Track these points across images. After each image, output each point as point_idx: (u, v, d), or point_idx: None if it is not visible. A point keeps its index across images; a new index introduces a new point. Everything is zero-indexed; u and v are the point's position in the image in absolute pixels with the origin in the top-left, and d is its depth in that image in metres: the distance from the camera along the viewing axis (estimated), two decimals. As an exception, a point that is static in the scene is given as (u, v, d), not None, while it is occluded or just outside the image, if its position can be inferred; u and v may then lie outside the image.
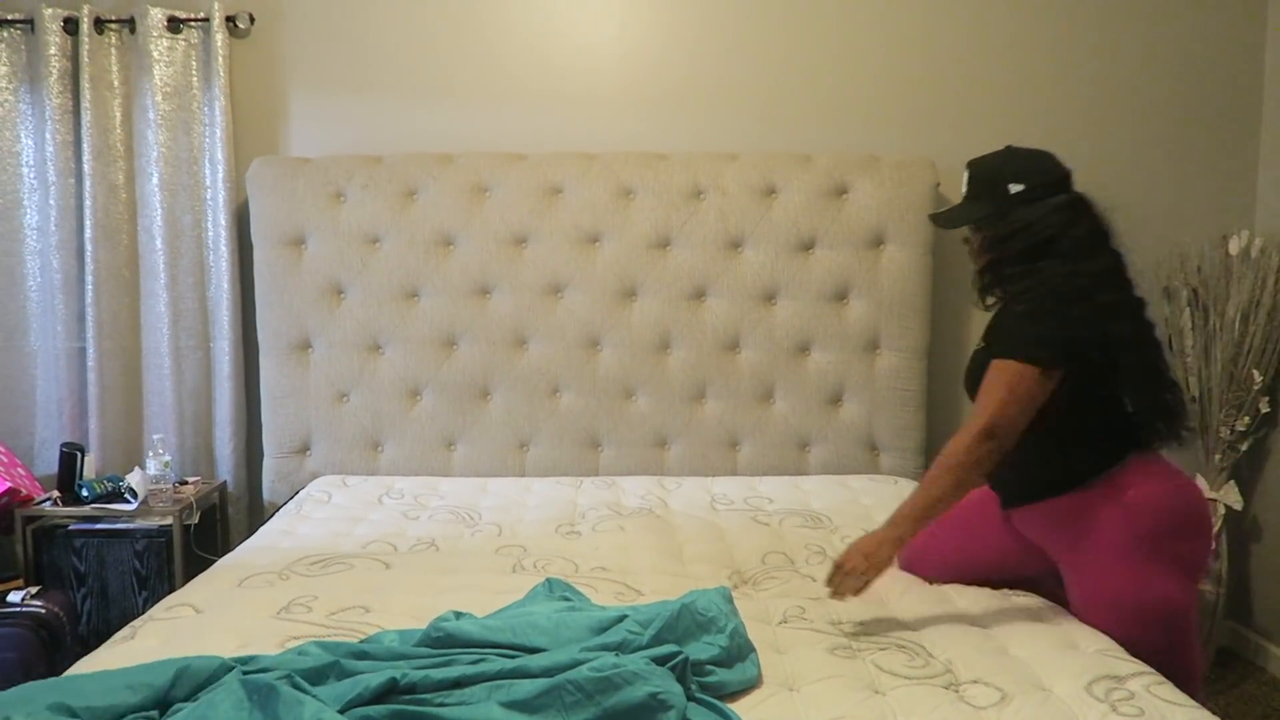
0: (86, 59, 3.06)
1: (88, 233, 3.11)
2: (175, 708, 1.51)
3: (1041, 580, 2.12)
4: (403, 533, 2.60)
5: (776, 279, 3.12)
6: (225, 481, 3.24)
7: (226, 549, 2.81)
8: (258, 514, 3.25)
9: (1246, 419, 3.10)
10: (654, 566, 2.29)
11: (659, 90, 3.26)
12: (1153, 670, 1.69)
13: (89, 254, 3.11)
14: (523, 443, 3.18)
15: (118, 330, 3.19)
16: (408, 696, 1.49)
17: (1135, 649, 1.80)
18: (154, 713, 1.50)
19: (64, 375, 3.18)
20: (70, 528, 2.92)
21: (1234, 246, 3.11)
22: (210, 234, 3.19)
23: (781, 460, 3.16)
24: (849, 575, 1.92)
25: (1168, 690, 1.62)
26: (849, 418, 3.15)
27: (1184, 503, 1.92)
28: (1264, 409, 3.11)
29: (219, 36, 3.10)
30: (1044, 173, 1.99)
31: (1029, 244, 1.94)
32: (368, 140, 3.24)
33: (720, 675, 1.65)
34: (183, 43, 3.15)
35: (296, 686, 1.46)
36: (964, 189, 2.07)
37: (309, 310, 3.13)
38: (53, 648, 2.48)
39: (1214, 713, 1.58)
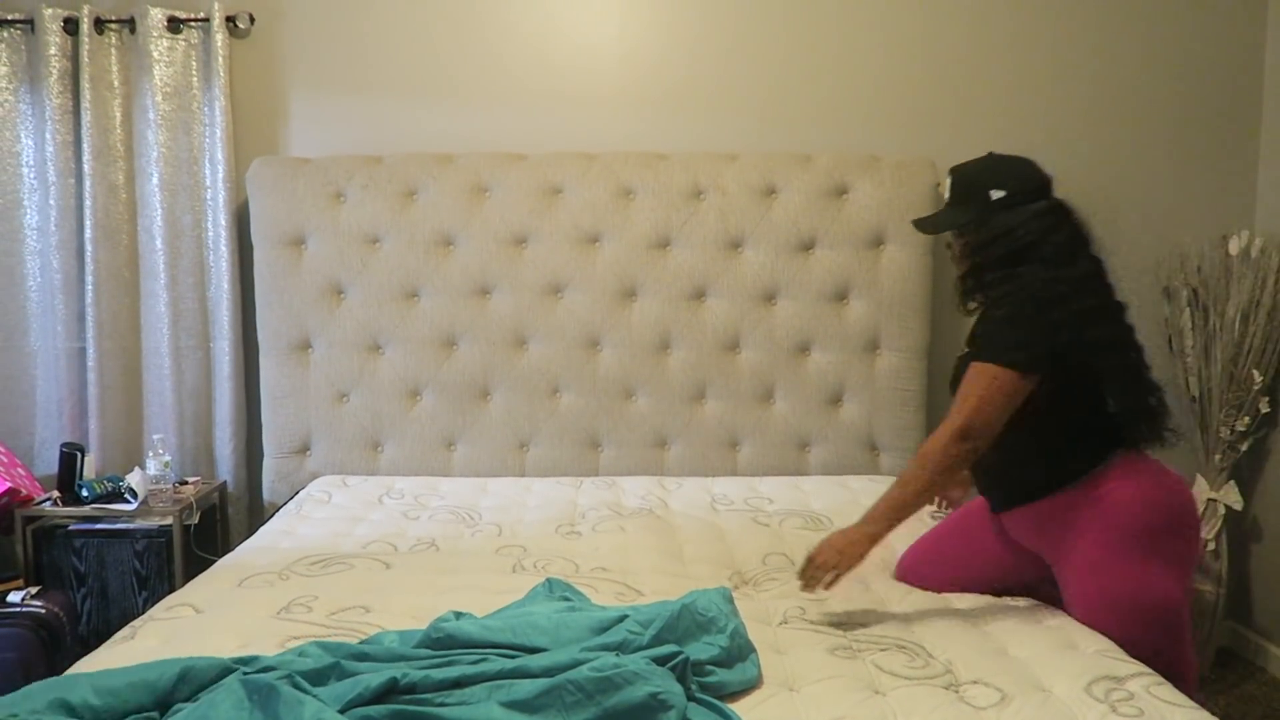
0: (86, 59, 3.06)
1: (88, 233, 3.11)
2: (176, 708, 1.51)
3: (1038, 586, 2.13)
4: (403, 533, 2.60)
5: (776, 279, 3.12)
6: (225, 481, 3.24)
7: (226, 549, 2.82)
8: (258, 514, 3.26)
9: (1246, 419, 3.10)
10: (654, 567, 2.29)
11: (659, 90, 3.26)
12: (1152, 671, 1.69)
13: (89, 254, 3.12)
14: (523, 443, 3.18)
15: (118, 330, 3.19)
16: (408, 696, 1.49)
17: (1130, 647, 1.81)
18: (155, 713, 1.50)
19: (64, 375, 3.18)
20: (70, 528, 2.92)
21: (1234, 246, 3.11)
22: (210, 234, 3.19)
23: (781, 460, 3.16)
24: (820, 569, 1.95)
25: (1167, 691, 1.62)
26: (849, 418, 3.15)
27: (1171, 500, 1.93)
28: (1264, 409, 3.11)
29: (219, 36, 3.10)
30: (1025, 179, 2.02)
31: (1009, 249, 1.97)
32: (368, 140, 3.24)
33: (720, 675, 1.65)
34: (183, 43, 3.15)
35: (297, 686, 1.46)
36: (946, 195, 2.10)
37: (309, 310, 3.13)
38: (53, 648, 2.48)
39: (1213, 713, 1.58)
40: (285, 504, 2.93)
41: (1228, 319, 3.07)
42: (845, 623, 1.95)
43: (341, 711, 1.43)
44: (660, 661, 1.58)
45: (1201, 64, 3.26)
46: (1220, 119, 3.28)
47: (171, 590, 2.68)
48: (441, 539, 2.54)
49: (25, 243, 3.17)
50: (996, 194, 1.99)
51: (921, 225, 2.15)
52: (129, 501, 2.93)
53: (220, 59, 3.10)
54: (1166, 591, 1.90)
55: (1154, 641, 1.86)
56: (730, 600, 1.88)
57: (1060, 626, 1.92)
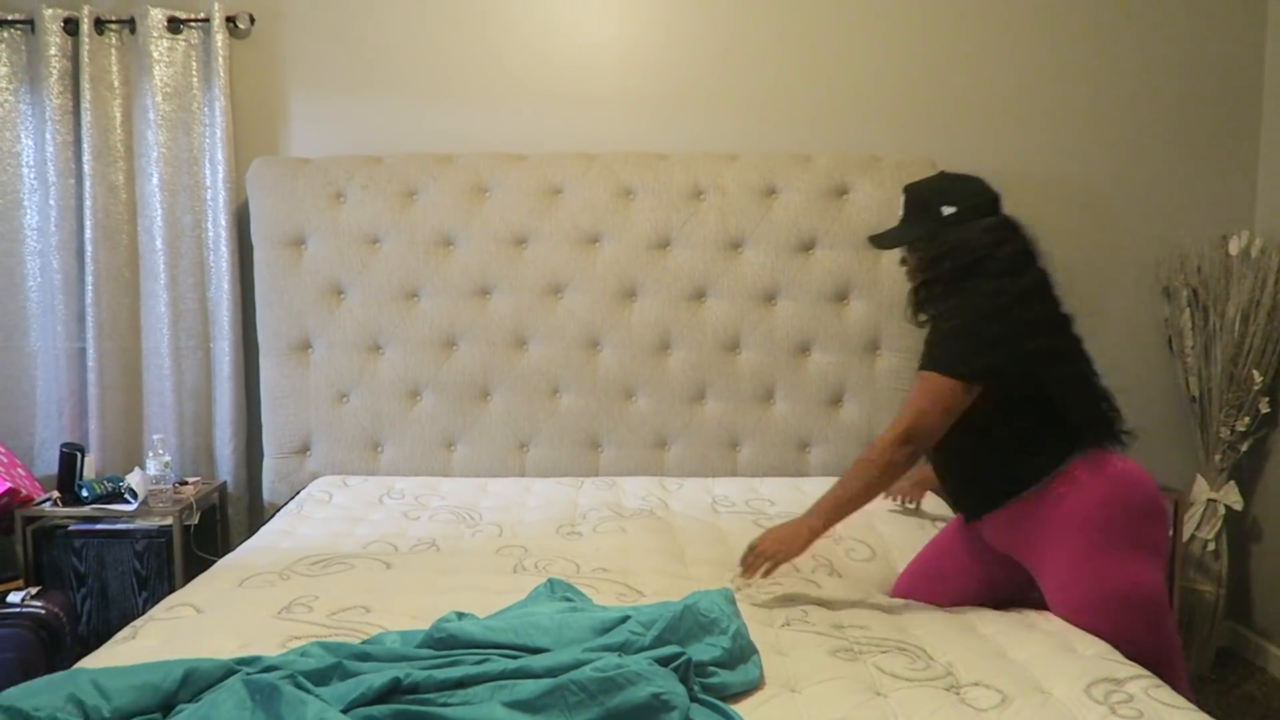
0: (87, 59, 3.06)
1: (88, 233, 3.11)
2: (178, 708, 1.51)
3: (1030, 594, 2.14)
4: (403, 533, 2.60)
5: (777, 279, 3.12)
6: (225, 482, 3.24)
7: (226, 549, 2.82)
8: (258, 514, 3.25)
9: (1246, 419, 3.10)
10: (655, 568, 2.29)
11: (659, 90, 3.26)
12: (1150, 674, 1.70)
13: (89, 254, 3.11)
14: (523, 443, 3.18)
15: (118, 330, 3.18)
16: (410, 696, 1.49)
17: (1114, 638, 1.85)
18: (158, 715, 1.50)
19: (64, 375, 3.18)
20: (70, 528, 2.91)
21: (1234, 246, 3.11)
22: (210, 234, 3.19)
23: (782, 461, 3.16)
24: (760, 557, 2.06)
25: (1165, 693, 1.62)
26: (849, 418, 3.15)
27: (1131, 491, 1.97)
28: (1264, 409, 3.11)
29: (219, 37, 3.10)
30: (974, 195, 2.10)
31: (959, 263, 2.05)
32: (368, 140, 3.24)
33: (722, 676, 1.65)
34: (183, 43, 3.15)
35: (299, 686, 1.46)
36: (900, 212, 2.18)
37: (309, 310, 3.13)
38: (53, 648, 2.48)
39: (1212, 713, 1.59)
40: (285, 504, 2.93)
41: (1228, 319, 3.08)
42: (847, 625, 1.95)
43: (344, 711, 1.43)
44: (663, 662, 1.58)
45: (1201, 64, 3.26)
46: (1220, 119, 3.28)
47: (171, 590, 2.68)
48: (442, 539, 2.54)
49: (25, 243, 3.17)
50: (947, 210, 2.08)
51: (876, 241, 2.22)
52: (129, 502, 2.93)
53: (220, 59, 3.10)
54: (1140, 579, 1.93)
55: (1137, 630, 1.90)
56: (732, 601, 1.88)
57: (1057, 630, 1.93)
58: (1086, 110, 3.27)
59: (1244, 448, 3.15)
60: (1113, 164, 3.29)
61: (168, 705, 1.52)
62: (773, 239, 3.11)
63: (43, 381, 3.20)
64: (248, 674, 1.52)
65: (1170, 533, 2.04)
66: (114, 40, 3.12)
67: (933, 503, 2.75)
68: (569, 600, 1.94)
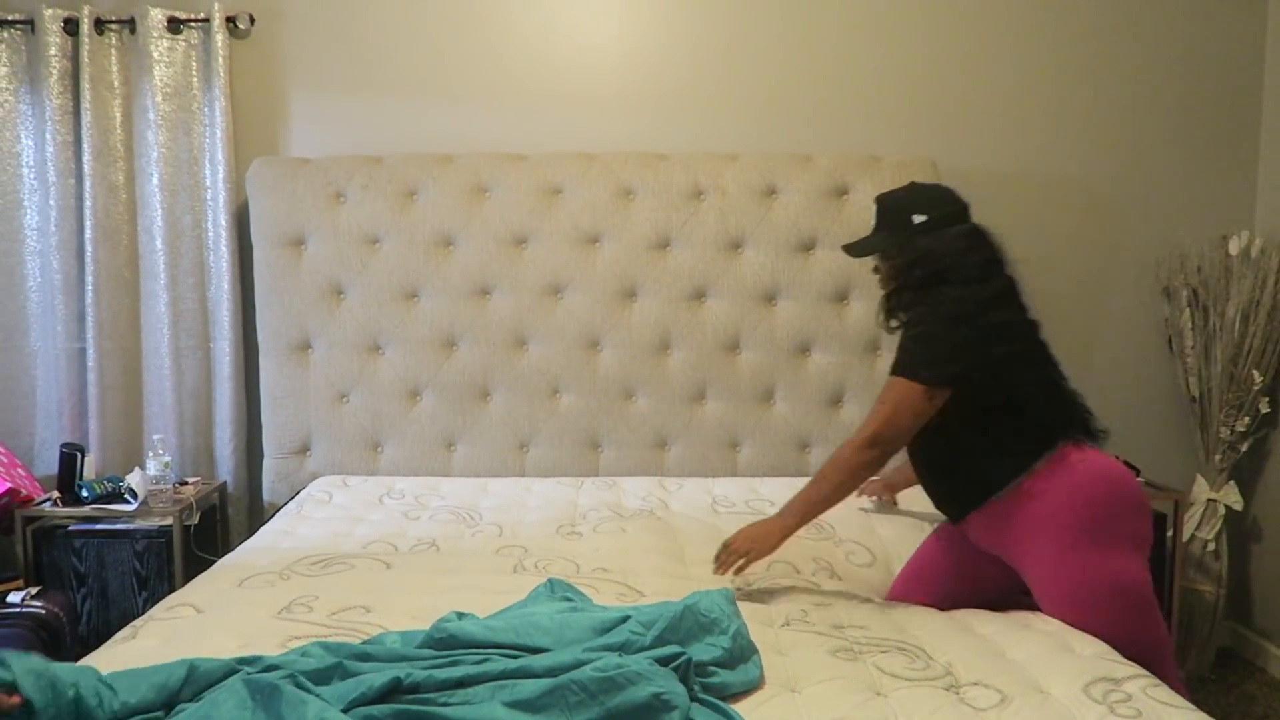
0: (87, 59, 3.06)
1: (88, 233, 3.11)
2: (179, 708, 1.51)
3: (1021, 593, 2.16)
4: (403, 533, 2.60)
5: (777, 279, 3.12)
6: (225, 482, 3.24)
7: (226, 549, 2.82)
8: (258, 514, 3.26)
9: (1246, 419, 3.10)
10: (655, 568, 2.29)
11: (659, 90, 3.26)
12: (1148, 673, 1.70)
13: (89, 254, 3.11)
14: (523, 443, 3.18)
15: (118, 330, 3.18)
16: (411, 696, 1.49)
17: (1099, 633, 1.86)
18: (160, 713, 1.50)
19: (64, 375, 3.18)
20: (70, 528, 2.91)
21: (1234, 246, 3.11)
22: (210, 234, 3.19)
23: (782, 461, 3.16)
24: (733, 554, 2.10)
25: (1164, 693, 1.63)
26: (849, 419, 3.15)
27: (1108, 484, 1.99)
28: (1264, 409, 3.11)
29: (219, 37, 3.10)
30: (944, 204, 2.15)
31: (928, 270, 2.09)
32: (368, 140, 3.24)
33: (723, 676, 1.65)
34: (183, 43, 3.15)
35: (300, 686, 1.46)
36: (873, 221, 2.23)
37: (309, 311, 3.13)
38: (53, 648, 2.49)
39: (1212, 713, 1.59)
40: (285, 504, 2.93)
41: (1228, 319, 3.08)
42: (847, 626, 1.96)
43: (345, 711, 1.43)
44: (663, 662, 1.58)
45: (1201, 64, 3.27)
46: (1220, 119, 3.29)
47: (171, 590, 2.68)
48: (442, 539, 2.54)
49: (25, 243, 3.17)
50: (918, 219, 2.12)
51: (850, 249, 2.26)
52: (129, 502, 2.93)
53: (220, 59, 3.10)
54: (1121, 572, 1.95)
55: (1122, 623, 1.92)
56: (732, 601, 1.88)
57: (1055, 630, 1.93)
58: (1086, 110, 3.28)
59: (1244, 448, 3.15)
60: (1113, 164, 3.29)
61: (170, 704, 1.52)
62: (773, 239, 3.11)
63: (43, 381, 3.20)
64: (248, 673, 1.52)
65: (1152, 525, 2.05)
66: (114, 40, 3.12)
67: (921, 504, 2.73)
68: (569, 600, 1.94)
